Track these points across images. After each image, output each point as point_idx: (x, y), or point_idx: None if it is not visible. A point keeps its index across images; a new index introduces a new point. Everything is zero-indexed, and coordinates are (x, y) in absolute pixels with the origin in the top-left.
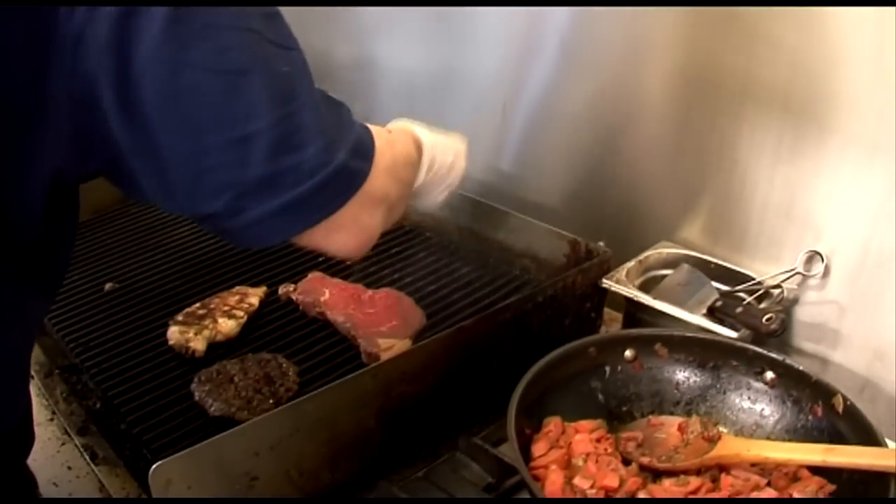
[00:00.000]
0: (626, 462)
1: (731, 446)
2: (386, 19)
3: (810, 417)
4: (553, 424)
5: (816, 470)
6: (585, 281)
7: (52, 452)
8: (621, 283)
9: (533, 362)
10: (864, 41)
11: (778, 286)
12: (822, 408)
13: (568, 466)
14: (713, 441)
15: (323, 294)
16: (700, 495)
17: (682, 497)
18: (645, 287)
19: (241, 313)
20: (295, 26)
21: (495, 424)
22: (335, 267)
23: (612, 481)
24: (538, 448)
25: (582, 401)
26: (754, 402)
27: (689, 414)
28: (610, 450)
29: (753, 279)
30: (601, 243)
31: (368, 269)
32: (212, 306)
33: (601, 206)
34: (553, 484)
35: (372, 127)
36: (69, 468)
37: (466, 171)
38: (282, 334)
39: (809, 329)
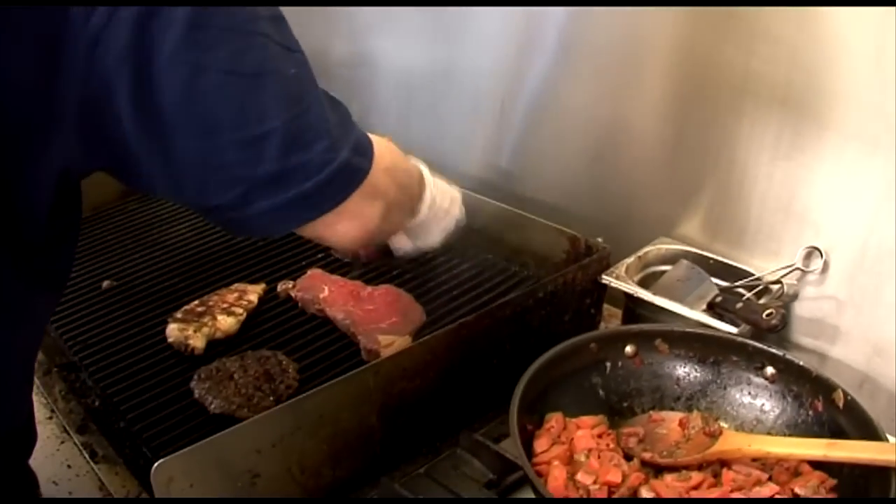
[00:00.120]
0: (628, 458)
1: (732, 441)
2: (383, 17)
3: (811, 412)
4: (555, 420)
5: (817, 464)
6: (585, 277)
7: (51, 451)
8: (621, 280)
9: (533, 359)
10: (864, 38)
11: (777, 282)
12: (823, 403)
13: (570, 462)
14: (714, 436)
15: (322, 291)
16: (702, 490)
17: (684, 494)
18: (644, 283)
19: (240, 310)
20: (292, 24)
21: (496, 421)
22: (334, 264)
23: (614, 477)
24: (540, 444)
25: (583, 396)
26: (755, 398)
27: (689, 409)
28: (612, 445)
29: (752, 275)
30: (600, 239)
31: (368, 266)
32: (211, 303)
33: (600, 203)
34: (556, 480)
35: (371, 135)
36: (69, 466)
37: (461, 221)
38: (281, 331)
39: (808, 324)
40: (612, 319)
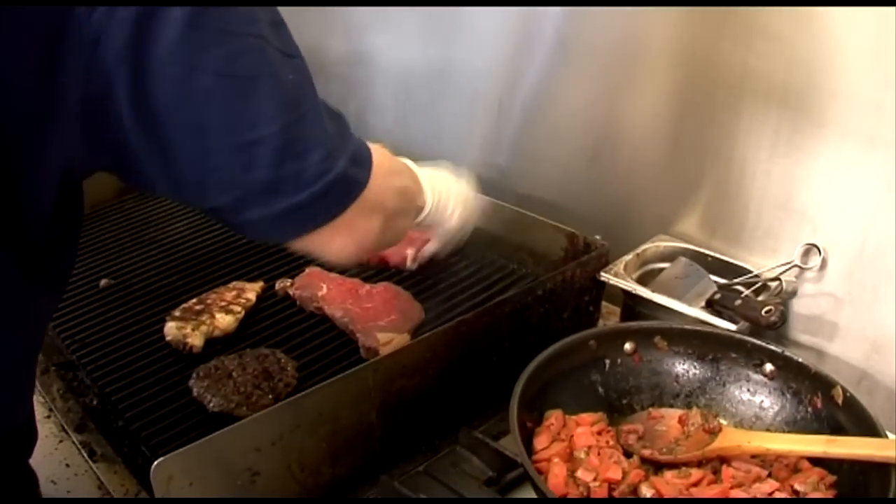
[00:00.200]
0: (627, 455)
1: (732, 438)
2: (380, 15)
3: (810, 409)
4: (554, 418)
5: (817, 461)
6: (584, 274)
7: (49, 450)
8: (619, 277)
9: (532, 356)
10: (862, 35)
11: (776, 279)
12: (822, 399)
13: (570, 459)
14: (714, 433)
15: (320, 289)
16: (702, 487)
17: (684, 490)
18: (642, 280)
19: (238, 308)
20: (289, 22)
21: (495, 418)
22: None
23: (615, 474)
24: (540, 441)
25: (582, 394)
26: (754, 394)
27: (688, 406)
28: (611, 442)
29: (751, 272)
30: (598, 237)
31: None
32: (209, 302)
33: (598, 200)
34: (556, 477)
35: (374, 146)
36: (67, 465)
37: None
38: (279, 329)
39: (807, 321)
40: (610, 317)
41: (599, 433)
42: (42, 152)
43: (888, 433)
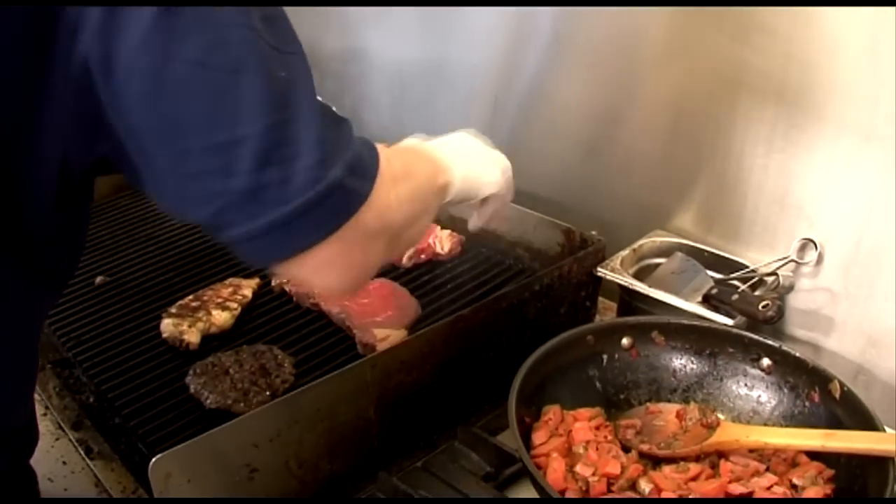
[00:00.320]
0: (626, 449)
1: (730, 432)
2: (376, 11)
3: (807, 403)
4: (552, 413)
5: (815, 455)
6: (580, 270)
7: (46, 448)
8: (616, 272)
9: (529, 351)
10: (858, 30)
11: (773, 273)
12: (819, 394)
13: (568, 454)
14: (712, 428)
15: None
16: (700, 481)
17: (682, 485)
18: (639, 276)
19: (234, 305)
20: None
21: (492, 414)
22: None
23: (613, 468)
24: (538, 436)
25: (580, 389)
26: (751, 389)
27: (686, 401)
28: (609, 437)
29: (747, 267)
30: (594, 232)
31: None
32: (205, 298)
33: (594, 196)
34: (555, 472)
35: (379, 146)
36: (64, 463)
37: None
38: (276, 326)
39: (803, 316)
40: (606, 312)
41: (597, 428)
42: (36, 139)
43: (886, 427)
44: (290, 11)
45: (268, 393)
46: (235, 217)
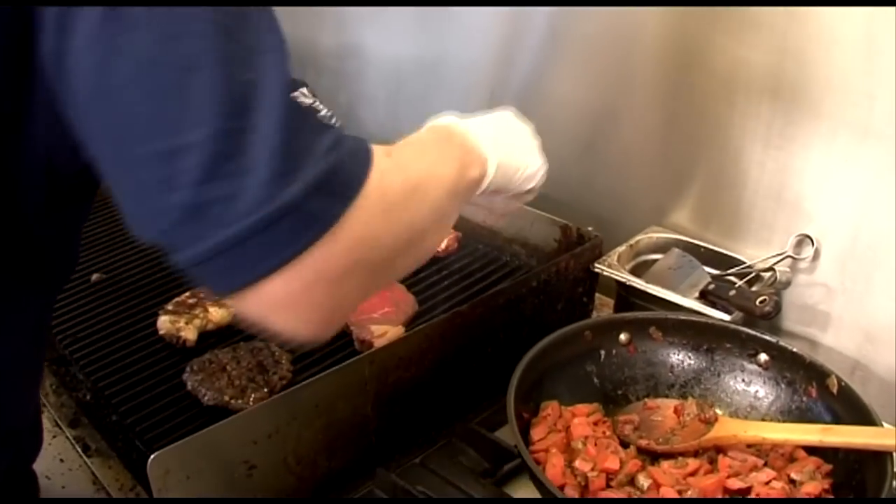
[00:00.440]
0: (624, 445)
1: (728, 428)
2: (371, 8)
3: (804, 399)
4: (551, 408)
5: (812, 450)
6: (577, 266)
7: (43, 445)
8: (613, 268)
9: (526, 348)
10: (856, 26)
11: (770, 269)
12: (817, 389)
13: (567, 450)
14: (710, 423)
15: None
16: (699, 476)
17: (681, 480)
18: (636, 272)
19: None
20: (280, 14)
21: (490, 410)
22: None
23: (612, 464)
24: (537, 432)
25: (578, 385)
26: (748, 384)
27: (683, 396)
28: (608, 433)
29: (744, 263)
30: (590, 228)
31: None
32: (202, 295)
33: (590, 192)
34: (554, 467)
35: (379, 148)
36: (61, 461)
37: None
38: None
39: (800, 312)
40: (603, 309)
41: (596, 424)
42: (20, 141)
43: (883, 423)
44: (286, 7)
45: (265, 390)
46: (180, 238)
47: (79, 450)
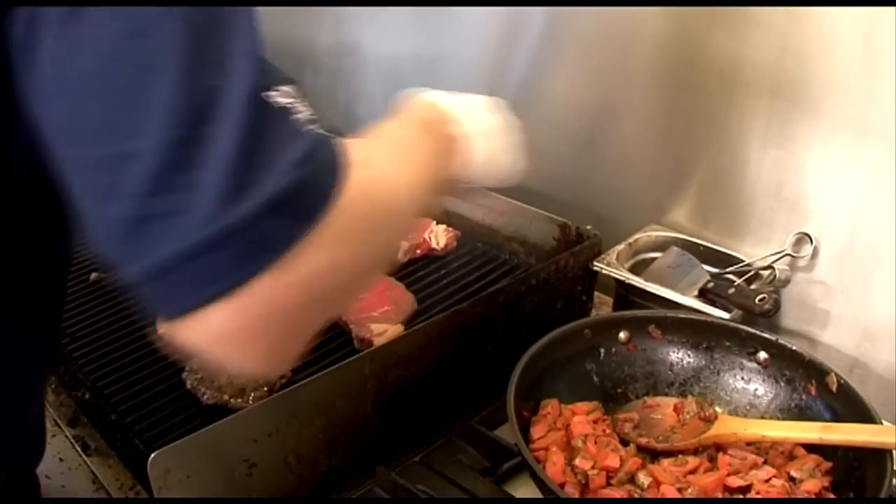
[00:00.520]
0: (624, 443)
1: (728, 426)
2: (370, 6)
3: (804, 397)
4: (550, 407)
5: (812, 448)
6: (577, 264)
7: None
8: (612, 267)
9: (525, 346)
10: (855, 25)
11: (769, 267)
12: (816, 387)
13: (567, 448)
14: (710, 421)
15: None
16: (699, 475)
17: (681, 478)
18: (635, 270)
19: None
20: (278, 13)
21: (489, 408)
22: None
23: (613, 461)
24: (537, 430)
25: (577, 383)
26: (748, 382)
27: (683, 395)
28: (608, 431)
29: (742, 261)
30: (589, 227)
31: None
32: None
33: (589, 190)
34: (554, 465)
35: (357, 154)
36: (61, 460)
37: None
38: None
39: (799, 310)
40: (602, 307)
41: (596, 422)
42: (10, 159)
43: (883, 420)
44: (285, 7)
45: (265, 388)
46: (122, 253)
47: (78, 449)
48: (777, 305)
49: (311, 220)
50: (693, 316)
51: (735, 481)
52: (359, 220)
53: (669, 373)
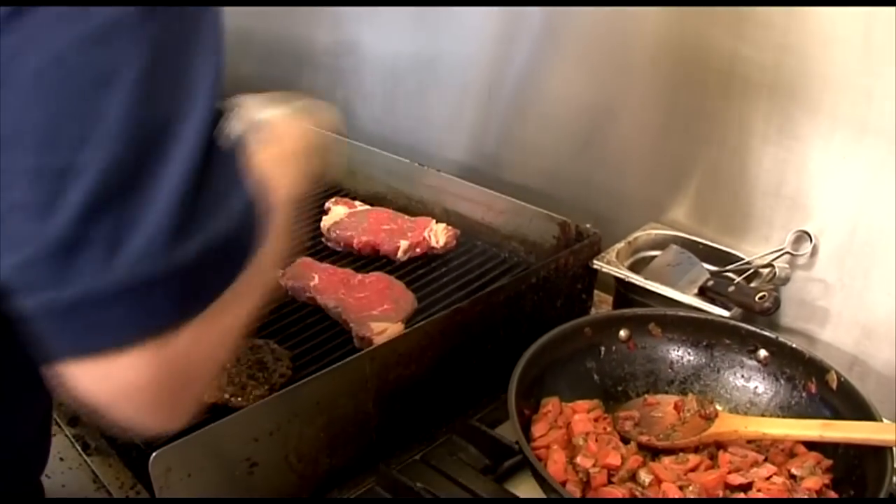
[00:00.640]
0: (624, 441)
1: (728, 423)
2: (368, 5)
3: (804, 394)
4: (551, 405)
5: (812, 445)
6: (576, 262)
7: None
8: (612, 265)
9: (526, 344)
10: (854, 22)
11: (768, 265)
12: (816, 385)
13: (568, 446)
14: (710, 419)
15: (312, 279)
16: (700, 472)
17: (682, 475)
18: (634, 268)
19: None
20: (277, 12)
21: (490, 407)
22: (324, 251)
23: (614, 459)
24: (538, 429)
25: (578, 381)
26: (748, 380)
27: (683, 393)
28: (608, 429)
29: (742, 259)
30: (588, 225)
31: None
32: None
33: (588, 189)
34: (556, 463)
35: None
36: (61, 459)
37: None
38: (272, 320)
39: (798, 308)
40: (602, 305)
41: (596, 420)
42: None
43: (882, 418)
44: (284, 7)
45: (266, 387)
46: (39, 277)
47: (78, 448)
48: (777, 303)
49: (241, 269)
50: (693, 314)
51: (736, 479)
52: (261, 274)
53: (670, 371)
